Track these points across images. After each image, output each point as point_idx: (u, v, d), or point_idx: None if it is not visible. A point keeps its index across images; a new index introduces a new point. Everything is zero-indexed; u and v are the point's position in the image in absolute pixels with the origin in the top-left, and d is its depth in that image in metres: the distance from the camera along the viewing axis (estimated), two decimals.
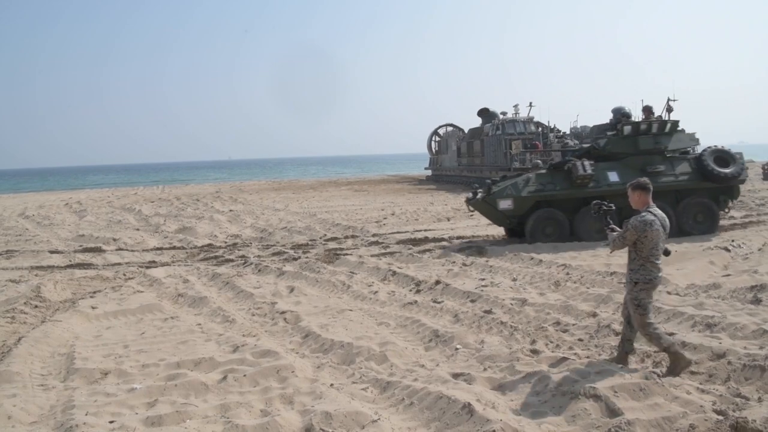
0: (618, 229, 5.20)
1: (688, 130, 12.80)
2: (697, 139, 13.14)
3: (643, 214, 4.94)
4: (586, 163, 11.64)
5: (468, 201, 12.63)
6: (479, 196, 12.14)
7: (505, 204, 11.78)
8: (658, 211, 4.99)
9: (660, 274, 5.03)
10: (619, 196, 11.69)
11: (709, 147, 12.29)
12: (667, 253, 5.11)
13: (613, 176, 11.75)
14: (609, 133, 12.95)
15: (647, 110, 12.91)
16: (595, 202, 5.57)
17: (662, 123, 12.34)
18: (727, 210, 12.51)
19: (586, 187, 11.60)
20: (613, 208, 5.44)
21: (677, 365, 4.94)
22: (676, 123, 12.56)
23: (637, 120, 12.78)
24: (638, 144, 12.06)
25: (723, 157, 11.70)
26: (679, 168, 11.80)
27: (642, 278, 4.96)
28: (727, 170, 11.50)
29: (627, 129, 12.28)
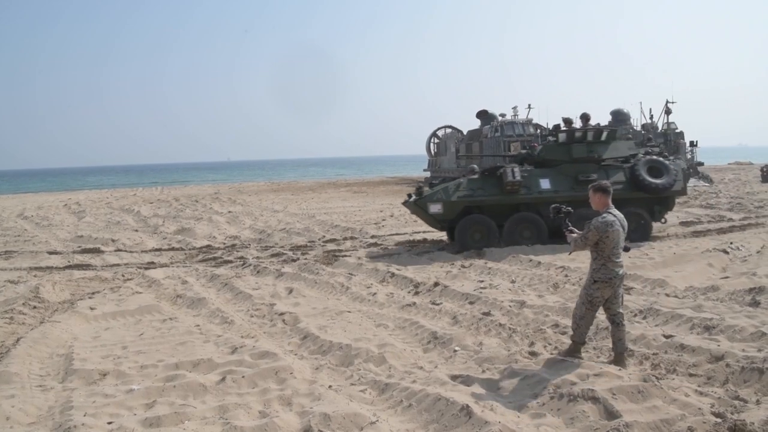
0: (577, 230, 5.42)
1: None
2: (637, 147, 13.00)
3: (604, 215, 5.17)
4: (516, 169, 11.56)
5: (404, 203, 12.62)
6: (412, 199, 12.11)
7: (435, 208, 11.76)
8: (617, 212, 5.24)
9: (621, 272, 5.26)
10: (550, 203, 11.76)
11: (645, 156, 12.19)
12: (626, 249, 5.35)
13: (545, 184, 11.70)
14: (551, 139, 12.81)
15: (584, 118, 12.79)
16: (553, 205, 5.76)
17: (598, 131, 12.23)
18: (663, 221, 12.44)
19: (516, 194, 11.53)
20: (572, 210, 5.60)
21: (570, 354, 5.40)
22: (614, 132, 12.52)
23: (576, 127, 12.62)
24: (572, 152, 11.95)
25: (657, 167, 11.57)
26: (615, 177, 11.64)
27: (602, 277, 5.19)
28: (658, 181, 11.39)
29: (562, 136, 12.23)
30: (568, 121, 12.84)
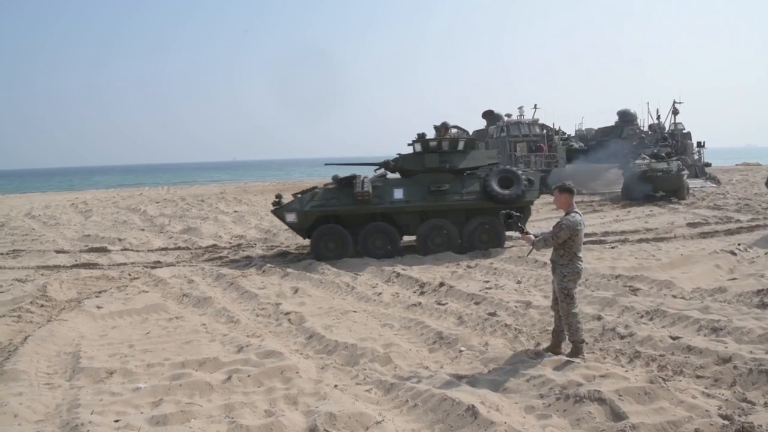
0: (531, 233, 5.71)
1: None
2: (496, 157, 12.81)
3: (572, 214, 5.48)
4: (367, 180, 11.49)
5: (272, 211, 12.54)
6: (273, 208, 12.11)
7: (290, 217, 11.71)
8: (579, 212, 5.57)
9: (583, 266, 5.66)
10: (402, 213, 11.57)
11: (498, 166, 12.09)
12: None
13: (398, 194, 11.61)
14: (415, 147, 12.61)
15: (443, 127, 12.66)
16: (503, 212, 5.89)
17: (453, 141, 12.11)
18: (523, 230, 12.24)
19: (368, 204, 11.43)
20: (521, 215, 5.80)
21: (575, 355, 5.52)
22: (472, 141, 12.39)
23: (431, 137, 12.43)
24: (424, 161, 11.85)
25: (508, 177, 11.47)
26: (470, 187, 11.59)
27: (571, 271, 5.53)
28: (506, 191, 11.31)
29: (417, 146, 12.15)
30: (444, 126, 12.71)
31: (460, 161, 11.92)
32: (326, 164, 14.08)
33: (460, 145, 12.07)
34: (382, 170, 12.70)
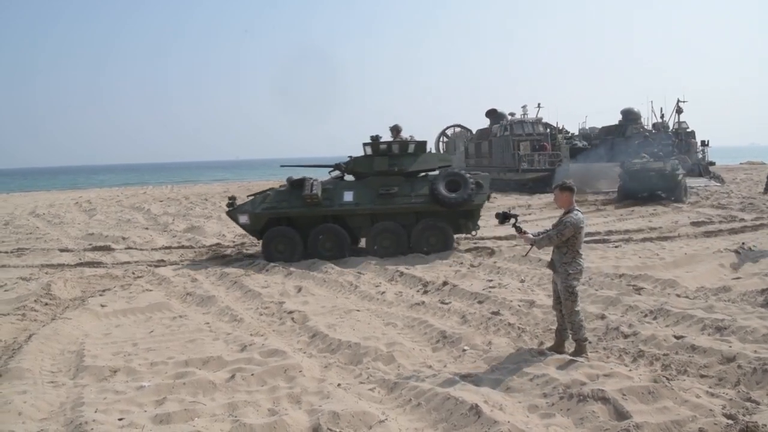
0: (530, 232, 5.71)
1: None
2: (450, 159, 12.75)
3: (574, 212, 5.52)
4: (316, 182, 11.50)
5: (226, 213, 12.58)
6: (228, 210, 12.14)
7: (242, 219, 11.76)
8: (580, 210, 5.61)
9: (584, 264, 5.72)
10: (353, 216, 11.58)
11: (448, 169, 12.02)
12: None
13: (348, 196, 11.61)
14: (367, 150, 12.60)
15: (395, 130, 12.65)
16: (497, 213, 5.88)
17: (403, 144, 12.08)
18: (473, 233, 12.31)
19: (318, 206, 11.46)
20: (518, 215, 5.81)
21: (579, 354, 5.52)
22: (422, 144, 12.33)
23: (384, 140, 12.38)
24: (374, 164, 11.87)
25: (455, 180, 11.40)
26: (420, 190, 11.55)
27: (575, 269, 5.54)
28: (452, 195, 11.24)
29: (367, 149, 12.14)
30: (396, 129, 12.67)
31: (410, 164, 11.93)
32: (282, 166, 14.15)
33: (411, 148, 12.07)
34: (338, 172, 12.75)
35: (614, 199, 21.34)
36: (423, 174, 12.07)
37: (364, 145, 12.24)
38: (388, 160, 11.82)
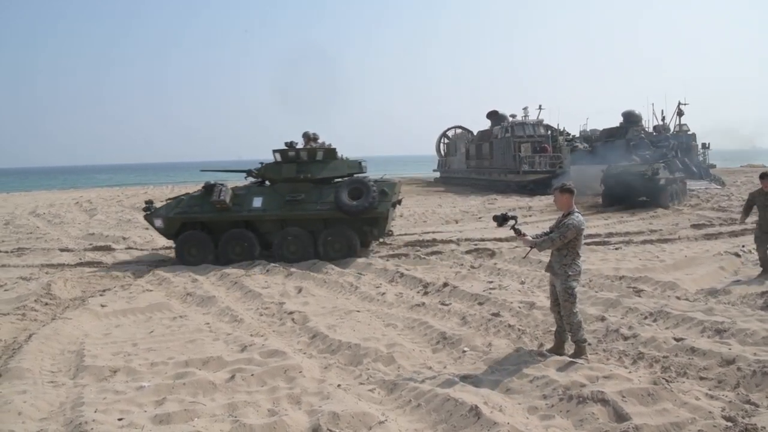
0: (529, 234, 5.69)
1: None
2: (364, 167, 12.82)
3: (575, 214, 5.56)
4: (224, 188, 11.58)
5: (144, 217, 12.67)
6: (145, 213, 12.26)
7: (157, 223, 11.91)
8: (579, 212, 5.64)
9: (584, 266, 5.83)
10: (263, 221, 11.67)
11: (355, 176, 12.03)
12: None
13: (258, 202, 11.75)
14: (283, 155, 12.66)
15: (306, 137, 12.74)
16: (495, 215, 5.85)
17: (312, 151, 12.19)
18: (381, 240, 12.25)
19: (228, 212, 11.58)
20: (517, 217, 5.78)
21: (578, 355, 5.54)
22: (332, 151, 12.39)
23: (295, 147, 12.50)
24: (282, 171, 12.01)
25: (358, 188, 11.43)
26: (326, 197, 11.64)
27: (574, 271, 5.57)
28: (353, 202, 11.29)
29: (277, 156, 12.25)
30: (307, 136, 12.81)
31: (319, 171, 12.03)
32: (202, 170, 14.32)
33: (319, 155, 12.19)
34: (254, 178, 12.88)
35: (598, 204, 20.61)
36: (338, 180, 12.12)
37: (274, 152, 12.38)
38: (297, 167, 12.01)
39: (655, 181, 19.35)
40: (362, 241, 11.99)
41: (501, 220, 5.72)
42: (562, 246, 5.55)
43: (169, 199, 12.50)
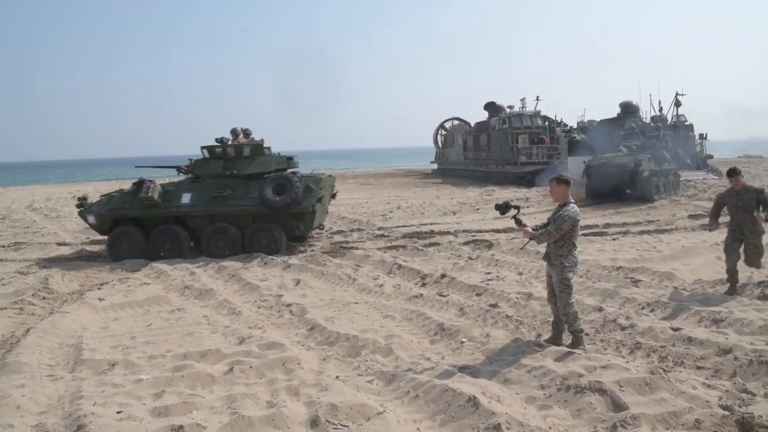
0: (529, 225, 5.65)
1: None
2: (294, 162, 12.85)
3: (571, 205, 5.55)
4: (154, 184, 11.63)
5: (78, 213, 12.64)
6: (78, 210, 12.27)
7: (90, 219, 11.95)
8: (574, 202, 5.63)
9: (580, 256, 5.85)
10: (191, 217, 11.73)
11: (281, 173, 12.02)
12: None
13: (186, 198, 11.79)
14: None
15: (234, 133, 12.76)
16: (497, 204, 5.79)
17: (239, 147, 12.21)
18: (310, 235, 12.24)
19: (156, 208, 11.65)
20: (519, 207, 5.75)
21: (576, 346, 5.57)
22: (259, 147, 12.39)
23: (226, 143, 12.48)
24: (209, 168, 12.08)
25: (282, 183, 11.47)
26: (252, 193, 11.69)
27: (570, 262, 5.59)
28: (276, 198, 11.34)
29: (205, 152, 12.29)
30: (234, 132, 12.81)
31: (246, 167, 12.05)
32: (136, 166, 14.36)
33: (246, 152, 12.19)
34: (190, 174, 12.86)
35: (582, 198, 19.71)
36: (268, 175, 12.09)
37: (202, 148, 12.38)
38: (223, 163, 12.05)
39: (639, 173, 18.71)
40: (289, 236, 12.02)
41: (503, 208, 5.65)
42: (559, 237, 5.55)
43: (103, 195, 12.53)
